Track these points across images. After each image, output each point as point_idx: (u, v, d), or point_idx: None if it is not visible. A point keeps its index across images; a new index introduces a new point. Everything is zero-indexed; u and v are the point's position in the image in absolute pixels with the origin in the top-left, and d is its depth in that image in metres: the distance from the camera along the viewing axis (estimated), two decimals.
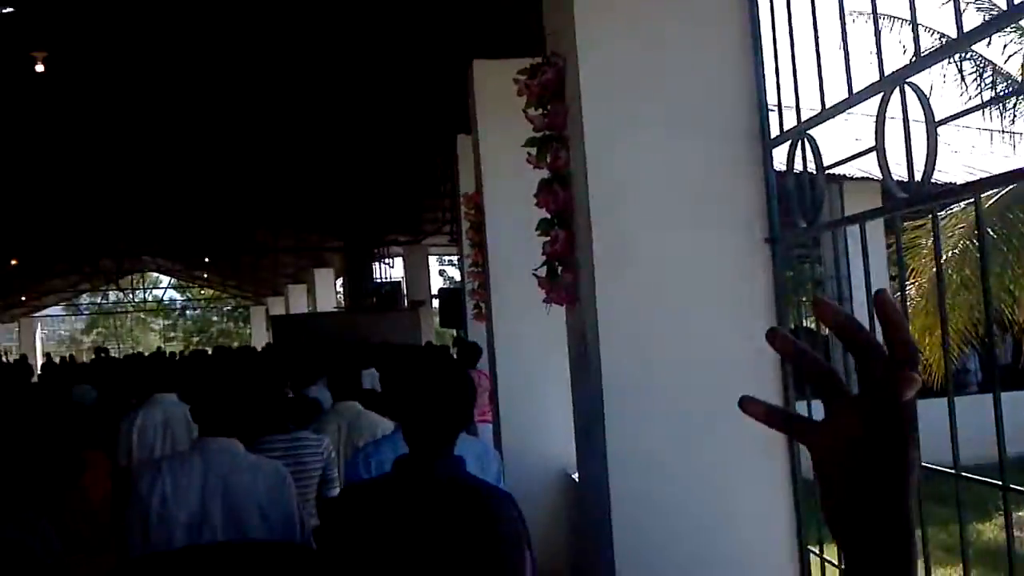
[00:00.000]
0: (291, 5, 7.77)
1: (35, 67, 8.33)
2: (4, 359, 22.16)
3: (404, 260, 22.07)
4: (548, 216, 4.10)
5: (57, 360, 24.02)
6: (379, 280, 22.29)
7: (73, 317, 43.01)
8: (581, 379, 4.00)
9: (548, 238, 4.11)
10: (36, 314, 35.82)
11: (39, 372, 18.42)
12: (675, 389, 3.54)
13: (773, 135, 3.54)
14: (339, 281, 27.27)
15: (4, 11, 9.13)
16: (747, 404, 0.80)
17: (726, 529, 3.54)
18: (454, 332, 15.51)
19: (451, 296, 15.28)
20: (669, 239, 3.59)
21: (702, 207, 3.61)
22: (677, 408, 3.53)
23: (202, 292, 39.64)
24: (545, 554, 4.61)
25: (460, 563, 1.53)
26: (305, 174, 15.97)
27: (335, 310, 25.60)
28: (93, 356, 24.09)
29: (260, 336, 33.43)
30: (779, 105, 3.41)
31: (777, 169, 3.56)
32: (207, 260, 27.20)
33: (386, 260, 22.82)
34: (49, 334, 44.16)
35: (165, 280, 36.20)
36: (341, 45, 8.64)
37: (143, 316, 44.07)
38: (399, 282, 22.09)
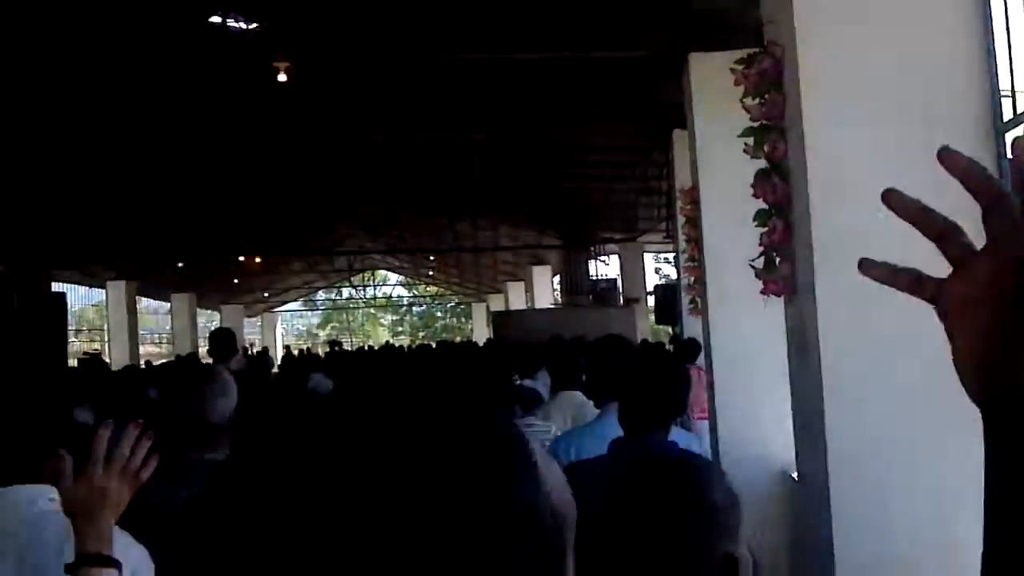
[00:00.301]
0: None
1: (278, 77, 8.88)
2: (249, 351, 23.83)
3: (620, 257, 22.11)
4: (765, 207, 4.04)
5: (296, 352, 25.60)
6: (595, 277, 22.45)
7: (309, 312, 45.74)
8: (800, 373, 3.92)
9: (765, 229, 4.05)
10: (276, 309, 38.35)
11: (279, 363, 19.68)
12: (902, 386, 3.41)
13: (1005, 119, 3.34)
14: (556, 278, 27.64)
15: (251, 27, 9.86)
16: (867, 268, 0.79)
17: (953, 532, 3.38)
18: (669, 329, 15.41)
19: (667, 292, 15.20)
20: (894, 231, 3.46)
21: (929, 197, 3.46)
22: (904, 405, 3.40)
23: (427, 289, 41.15)
24: (763, 553, 4.54)
25: (678, 532, 1.56)
26: (526, 174, 16.32)
27: (552, 306, 25.96)
28: (328, 349, 25.52)
29: (481, 332, 34.37)
30: (1012, 88, 3.22)
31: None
32: (432, 259, 28.20)
33: (602, 258, 22.93)
34: (288, 328, 47.17)
35: (393, 278, 37.82)
36: (563, 42, 8.76)
37: (373, 312, 46.23)
38: (615, 279, 22.16)
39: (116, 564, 1.90)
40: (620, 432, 3.59)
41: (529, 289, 28.93)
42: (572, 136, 12.87)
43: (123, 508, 1.96)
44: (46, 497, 2.14)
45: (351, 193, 23.24)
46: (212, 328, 30.85)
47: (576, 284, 22.66)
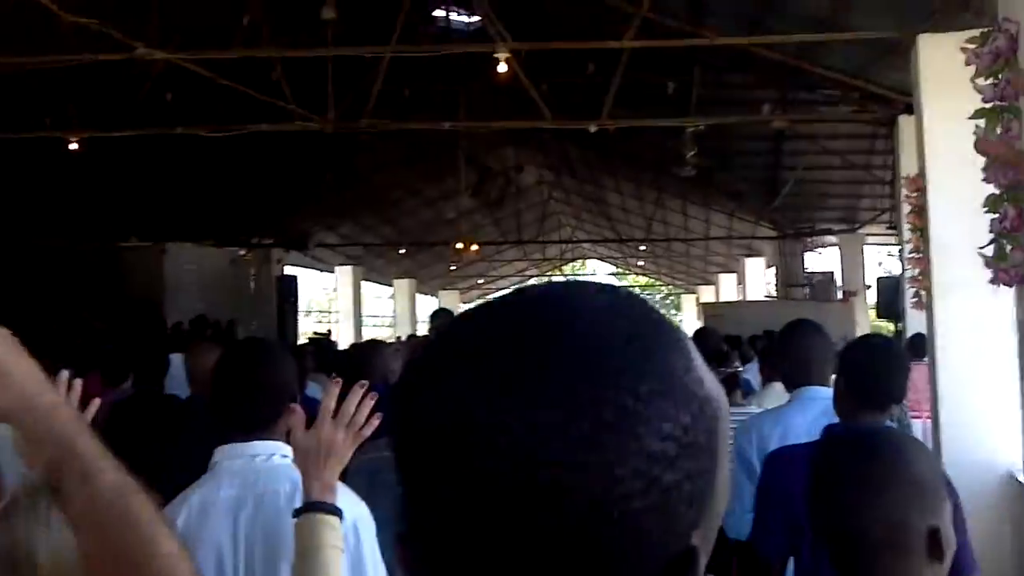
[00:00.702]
0: None
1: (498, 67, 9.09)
2: None
3: (839, 250, 21.33)
4: (997, 192, 3.86)
5: None
6: (811, 270, 21.75)
7: None
8: None
9: (996, 215, 3.87)
10: (490, 295, 39.36)
11: None
12: None
13: None
14: (770, 270, 26.98)
15: (473, 20, 10.16)
16: None
17: None
18: (892, 325, 14.77)
19: (888, 286, 14.56)
20: None
21: None
22: None
23: (636, 280, 41.09)
24: (988, 560, 4.34)
25: (883, 502, 1.58)
26: (742, 162, 16.05)
27: (764, 299, 25.37)
28: None
29: (690, 324, 34.01)
30: None
31: None
32: (642, 248, 28.16)
33: (819, 249, 22.18)
34: None
35: (603, 267, 37.99)
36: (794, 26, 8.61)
37: None
38: (832, 272, 21.40)
39: (338, 512, 2.07)
40: (802, 417, 3.54)
41: (741, 281, 28.38)
42: (791, 123, 12.54)
43: (346, 462, 2.13)
44: (280, 452, 2.36)
45: (562, 182, 23.59)
46: (430, 312, 31.94)
47: (791, 277, 22.05)
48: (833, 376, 3.36)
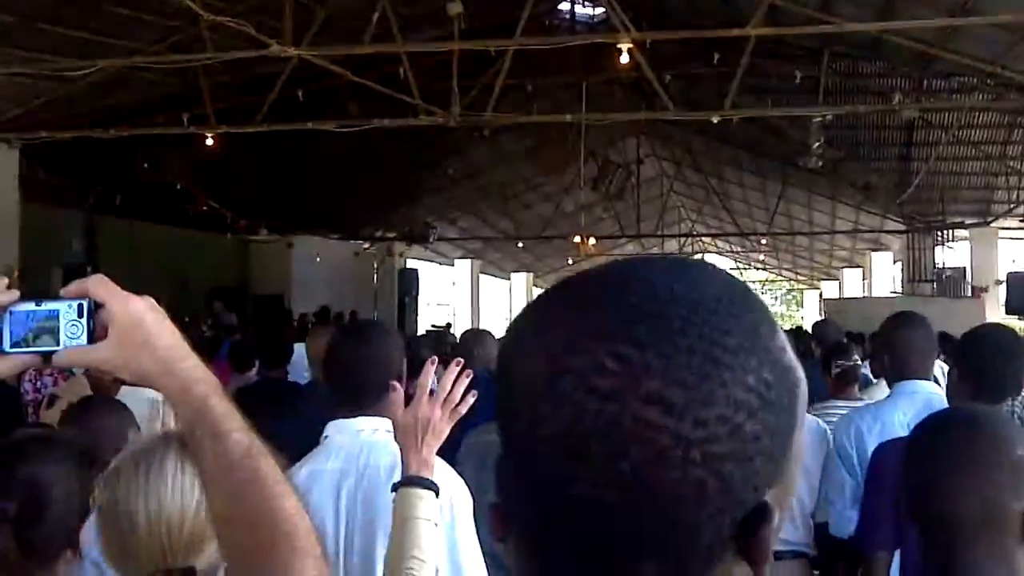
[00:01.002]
0: None
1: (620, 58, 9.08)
2: None
3: (970, 244, 20.55)
4: None
5: None
6: (941, 265, 21.00)
7: None
8: None
9: None
10: None
11: None
12: None
13: None
14: (897, 265, 26.16)
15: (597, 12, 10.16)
16: None
17: None
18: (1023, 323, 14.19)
19: (1020, 281, 13.98)
20: None
21: None
22: None
23: (757, 275, 40.37)
24: None
25: (979, 483, 1.58)
26: (868, 152, 15.63)
27: (890, 295, 24.63)
28: None
29: (812, 320, 33.21)
30: None
31: None
32: (763, 243, 27.67)
33: (949, 244, 21.40)
34: None
35: (723, 262, 37.47)
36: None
37: None
38: (963, 268, 20.62)
39: (434, 487, 2.14)
40: (901, 411, 3.46)
41: (866, 276, 27.61)
42: (923, 112, 12.17)
43: (443, 438, 2.19)
44: (384, 428, 2.45)
45: (684, 174, 23.37)
46: None
47: (919, 272, 21.34)
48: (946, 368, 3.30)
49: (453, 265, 27.83)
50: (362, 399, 2.51)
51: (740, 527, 0.68)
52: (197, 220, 17.09)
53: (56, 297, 1.14)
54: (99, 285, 1.17)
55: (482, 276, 28.96)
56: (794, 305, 46.17)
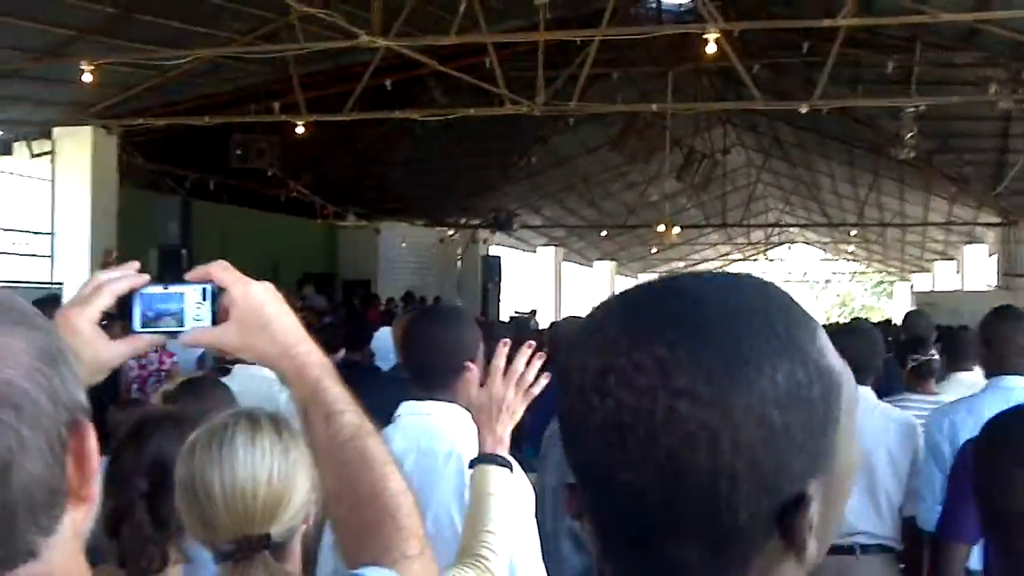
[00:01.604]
0: None
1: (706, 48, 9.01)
2: None
3: None
4: None
5: None
6: None
7: None
8: None
9: None
10: None
11: None
12: None
13: None
14: (993, 258, 25.39)
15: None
16: None
17: None
18: None
19: None
20: None
21: None
22: None
23: (847, 265, 39.59)
24: None
25: None
26: (961, 142, 15.21)
27: (984, 289, 23.94)
28: None
29: (902, 312, 32.44)
30: None
31: None
32: (853, 234, 27.13)
33: None
34: None
35: (811, 252, 36.81)
36: None
37: (788, 286, 45.25)
38: None
39: (508, 465, 2.20)
40: (996, 406, 3.40)
41: (959, 270, 26.87)
42: (1019, 103, 11.79)
43: (517, 418, 2.24)
44: (451, 411, 2.53)
45: (771, 164, 23.01)
46: None
47: (1015, 266, 20.68)
48: None
49: (536, 252, 27.90)
50: (433, 382, 2.58)
51: (779, 514, 0.74)
52: (288, 206, 17.46)
53: (182, 281, 1.22)
54: (222, 270, 1.24)
55: (565, 264, 28.97)
56: (884, 297, 45.18)
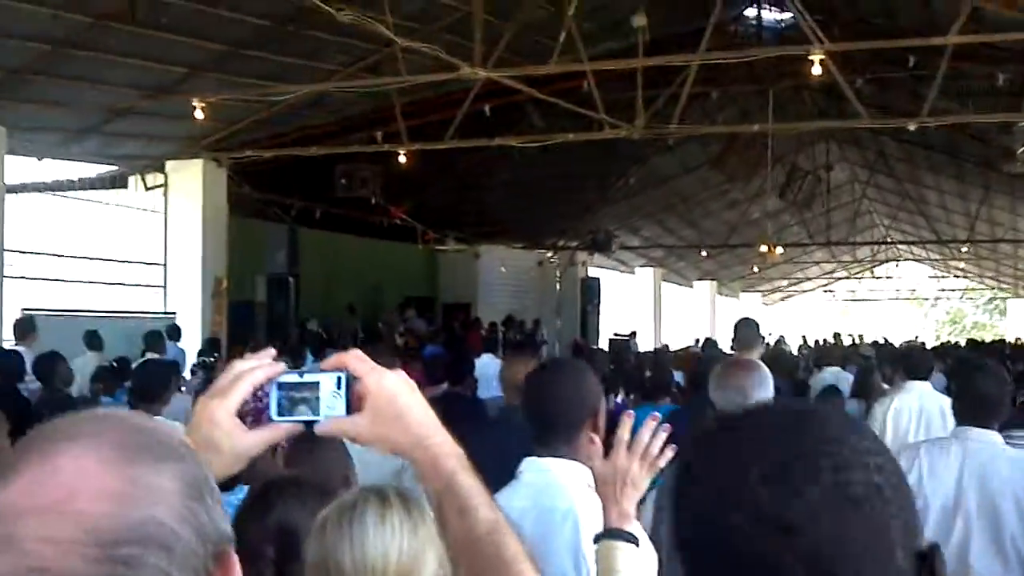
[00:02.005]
0: None
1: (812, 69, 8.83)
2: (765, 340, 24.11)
3: None
4: None
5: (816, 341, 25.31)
6: None
7: (828, 301, 44.71)
8: None
9: None
10: (793, 298, 38.20)
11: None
12: None
13: None
14: None
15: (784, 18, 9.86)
16: None
17: None
18: None
19: None
20: None
21: None
22: None
23: (956, 282, 38.39)
24: None
25: None
26: None
27: None
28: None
29: (1017, 331, 31.28)
30: None
31: None
32: (964, 250, 26.28)
33: None
34: (804, 316, 46.53)
35: (919, 269, 35.77)
36: None
37: (895, 304, 44.12)
38: None
39: (634, 540, 2.13)
40: None
41: None
42: None
43: (643, 491, 2.18)
44: (572, 471, 2.48)
45: (877, 179, 22.47)
46: (730, 313, 31.34)
47: None
48: None
49: (634, 273, 27.73)
50: (555, 437, 2.57)
51: (919, 558, 0.89)
52: (390, 231, 17.74)
53: (317, 369, 1.24)
54: (356, 361, 1.24)
55: (664, 284, 28.73)
56: (996, 315, 43.62)
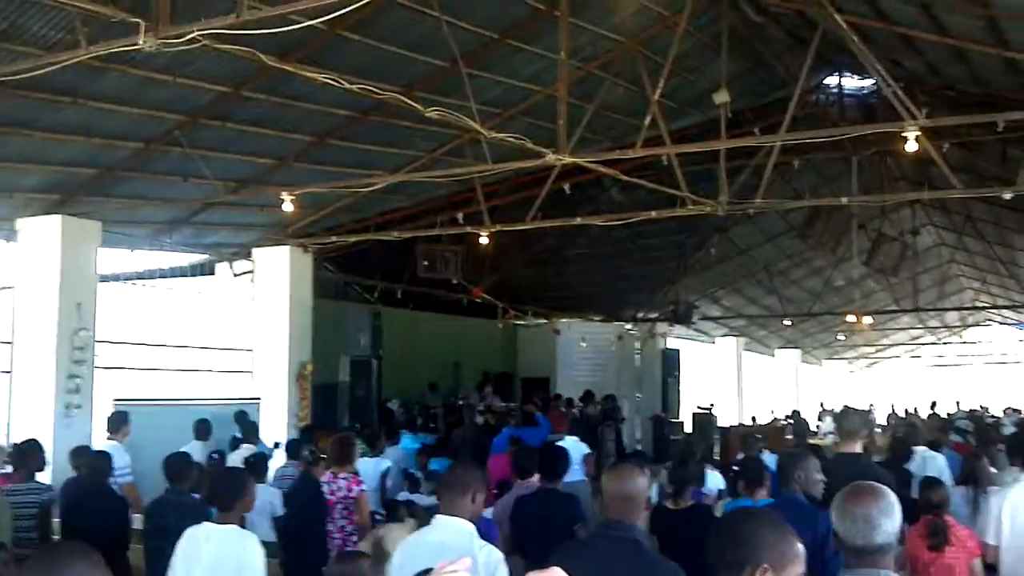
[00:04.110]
0: None
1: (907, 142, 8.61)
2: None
3: None
4: None
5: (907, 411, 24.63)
6: None
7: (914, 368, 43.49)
8: None
9: None
10: (880, 364, 37.27)
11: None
12: None
13: None
14: None
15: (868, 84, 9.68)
16: None
17: None
18: None
19: None
20: None
21: None
22: None
23: None
24: None
25: None
26: None
27: None
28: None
29: None
30: None
31: None
32: None
33: None
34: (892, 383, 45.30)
35: (1009, 333, 34.67)
36: None
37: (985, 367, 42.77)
38: None
39: None
40: None
41: None
42: None
43: None
44: None
45: (964, 242, 21.91)
46: (814, 381, 30.54)
47: None
48: None
49: (715, 343, 27.32)
50: None
51: None
52: (471, 308, 17.75)
53: None
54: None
55: (746, 353, 28.23)
56: None
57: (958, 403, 25.39)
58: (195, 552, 4.70)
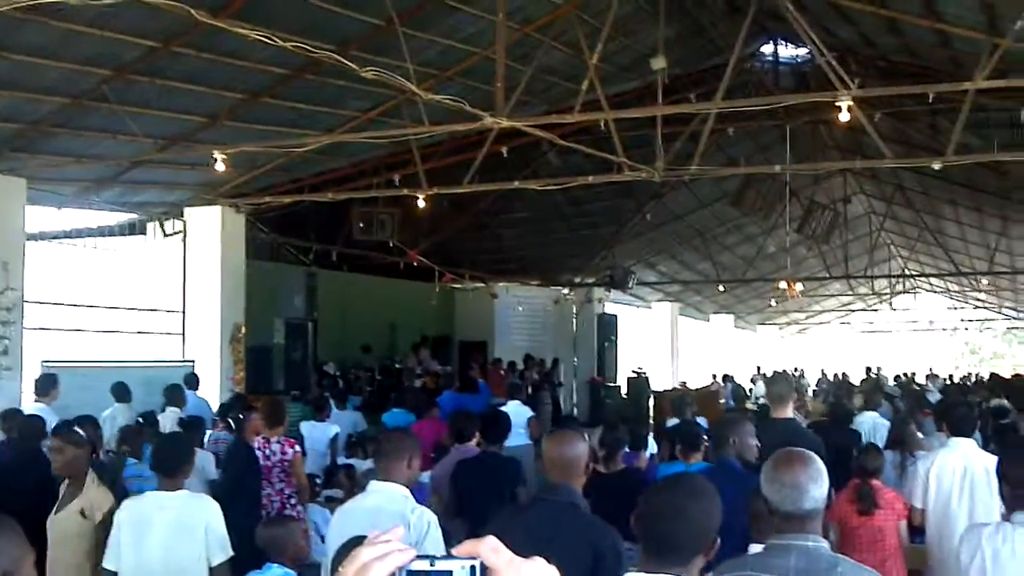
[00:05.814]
0: None
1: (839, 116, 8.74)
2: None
3: None
4: None
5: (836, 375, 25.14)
6: None
7: (844, 333, 44.41)
8: None
9: None
10: (810, 330, 37.98)
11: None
12: None
13: None
14: None
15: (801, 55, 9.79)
16: None
17: None
18: None
19: None
20: None
21: None
22: None
23: (975, 312, 38.12)
24: None
25: None
26: None
27: None
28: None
29: None
30: None
31: None
32: (984, 282, 26.08)
33: None
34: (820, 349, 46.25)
35: (937, 300, 35.55)
36: None
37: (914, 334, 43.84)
38: None
39: None
40: None
41: None
42: None
43: None
44: None
45: (894, 211, 22.36)
46: (748, 346, 31.04)
47: None
48: None
49: (651, 308, 27.58)
50: (669, 558, 2.46)
51: None
52: (407, 272, 17.67)
53: (448, 556, 1.13)
54: (491, 551, 1.13)
55: (681, 318, 28.56)
56: (1018, 344, 43.37)
57: (880, 369, 26.14)
58: (146, 521, 4.60)
